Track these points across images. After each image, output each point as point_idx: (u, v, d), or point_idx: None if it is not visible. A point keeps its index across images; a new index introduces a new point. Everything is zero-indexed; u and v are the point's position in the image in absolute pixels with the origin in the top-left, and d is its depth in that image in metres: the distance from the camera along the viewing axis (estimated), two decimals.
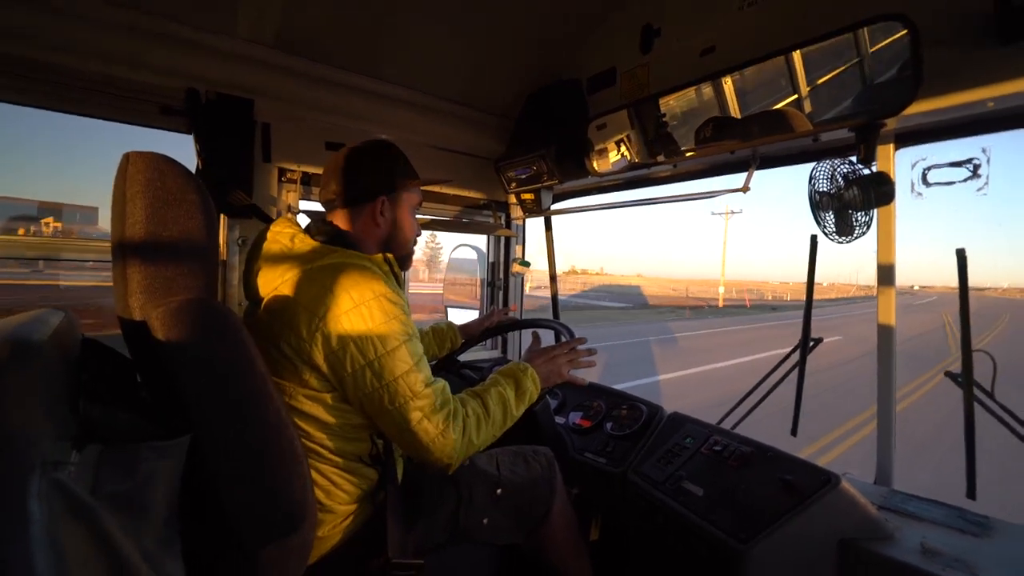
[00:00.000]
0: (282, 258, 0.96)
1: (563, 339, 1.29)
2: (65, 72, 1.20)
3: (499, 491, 1.16)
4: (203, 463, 0.69)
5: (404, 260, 1.14)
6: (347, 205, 1.05)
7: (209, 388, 0.70)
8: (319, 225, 1.04)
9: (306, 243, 0.98)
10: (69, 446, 0.47)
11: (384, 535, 0.96)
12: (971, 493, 1.16)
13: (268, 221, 1.42)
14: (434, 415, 0.92)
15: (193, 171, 1.33)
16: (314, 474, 0.91)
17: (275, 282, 0.94)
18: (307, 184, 1.60)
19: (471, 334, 1.56)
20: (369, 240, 1.06)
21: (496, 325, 1.59)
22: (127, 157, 0.72)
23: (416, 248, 1.18)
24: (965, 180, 1.14)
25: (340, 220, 1.06)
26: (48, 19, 1.12)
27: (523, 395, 1.08)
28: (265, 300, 0.95)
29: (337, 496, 0.96)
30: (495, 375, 1.11)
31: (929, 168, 1.18)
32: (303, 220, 1.10)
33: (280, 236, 0.99)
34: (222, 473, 0.71)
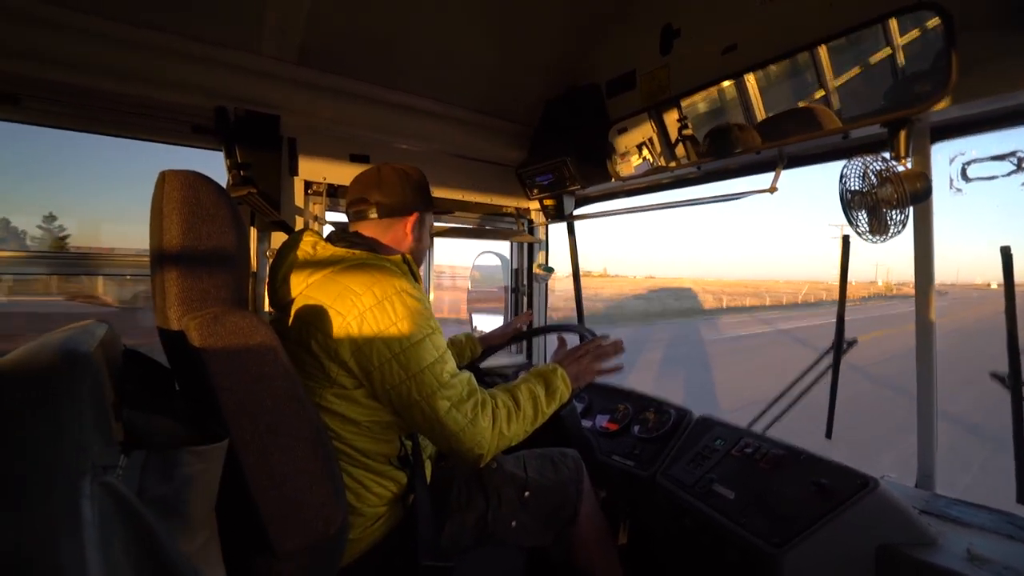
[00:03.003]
0: (306, 264, 1.00)
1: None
2: (100, 96, 1.26)
3: (527, 493, 1.16)
4: (238, 467, 0.71)
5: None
6: (387, 215, 1.11)
7: (243, 395, 0.72)
8: (339, 232, 1.10)
9: (328, 249, 1.02)
10: (118, 451, 0.49)
11: (413, 538, 0.97)
12: (1021, 498, 1.10)
13: (292, 232, 1.46)
14: (462, 404, 0.94)
15: (224, 186, 1.39)
16: (345, 478, 0.94)
17: (300, 287, 0.98)
18: (333, 196, 1.63)
19: (491, 344, 1.57)
20: (395, 249, 1.11)
21: (520, 332, 1.60)
22: (163, 175, 0.76)
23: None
24: (1009, 174, 1.10)
25: (368, 230, 1.11)
26: (82, 44, 1.17)
27: (553, 393, 1.09)
28: (291, 306, 0.99)
29: (367, 499, 0.98)
30: (525, 375, 1.12)
31: (969, 163, 1.14)
32: (327, 231, 1.14)
33: (303, 244, 1.04)
34: (256, 477, 0.73)
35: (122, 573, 0.44)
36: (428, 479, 1.10)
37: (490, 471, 1.15)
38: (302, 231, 1.09)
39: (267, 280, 1.51)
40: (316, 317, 0.93)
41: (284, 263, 1.04)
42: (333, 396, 0.95)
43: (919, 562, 0.94)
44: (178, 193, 0.74)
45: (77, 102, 1.26)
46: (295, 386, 0.78)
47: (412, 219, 1.12)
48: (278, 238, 1.52)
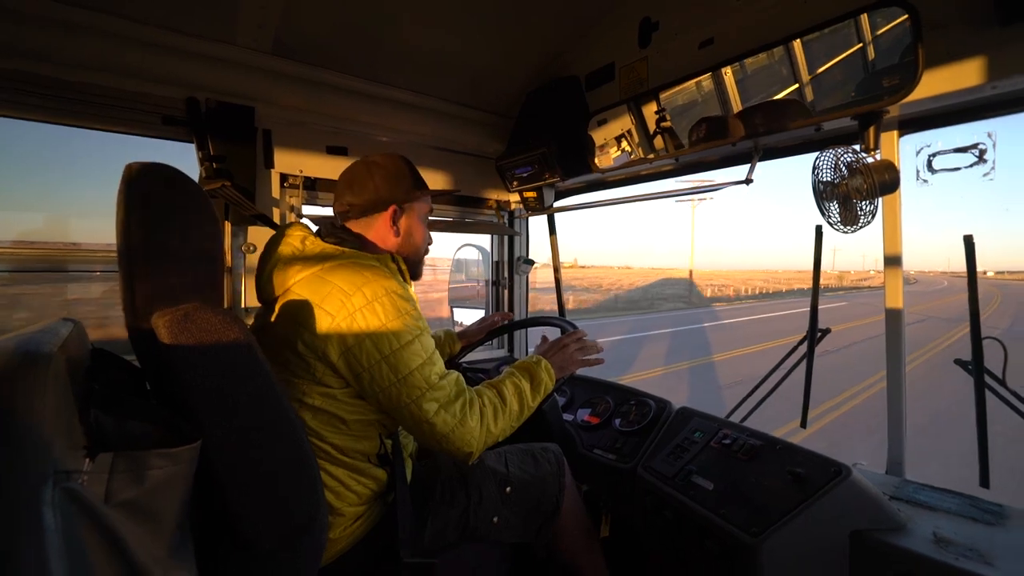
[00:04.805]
0: (294, 260, 0.99)
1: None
2: (65, 85, 1.21)
3: (508, 489, 1.16)
4: (213, 467, 0.70)
5: (414, 267, 1.15)
6: (362, 215, 1.08)
7: (216, 394, 0.70)
8: (329, 228, 1.08)
9: (317, 245, 1.01)
10: (82, 455, 0.48)
11: (395, 536, 0.96)
12: (984, 482, 1.15)
13: (273, 227, 1.43)
14: (451, 405, 0.94)
15: (196, 179, 1.35)
16: (324, 476, 0.93)
17: (287, 283, 0.97)
18: (310, 189, 1.60)
19: (470, 339, 1.57)
20: (383, 247, 1.09)
21: (499, 326, 1.60)
22: (129, 168, 0.73)
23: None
24: (971, 166, 1.13)
25: (355, 226, 1.09)
26: (46, 32, 1.13)
27: (538, 386, 1.10)
28: (278, 302, 0.97)
29: (347, 498, 0.97)
30: (509, 369, 1.12)
31: (934, 155, 1.17)
32: (309, 223, 1.12)
33: (292, 239, 1.02)
34: (232, 479, 0.72)
35: None
36: (409, 477, 1.09)
37: (471, 467, 1.15)
38: (289, 225, 1.07)
39: (246, 277, 1.48)
40: (304, 316, 0.91)
41: (271, 258, 1.02)
42: (319, 395, 0.94)
43: (889, 546, 0.97)
44: (145, 186, 0.72)
45: (39, 92, 1.21)
46: (271, 385, 0.76)
47: (388, 213, 1.08)
48: (253, 233, 1.49)
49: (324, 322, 0.90)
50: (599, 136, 1.65)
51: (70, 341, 0.63)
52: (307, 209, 1.62)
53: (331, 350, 0.90)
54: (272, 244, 1.04)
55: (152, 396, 0.85)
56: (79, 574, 0.41)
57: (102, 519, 0.46)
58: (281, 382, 0.93)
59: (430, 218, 1.98)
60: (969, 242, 1.16)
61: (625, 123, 1.58)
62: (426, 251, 1.18)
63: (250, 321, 1.43)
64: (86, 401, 0.59)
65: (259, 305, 1.09)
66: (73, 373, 0.60)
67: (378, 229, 1.09)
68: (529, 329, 2.04)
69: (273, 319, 0.97)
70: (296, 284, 0.95)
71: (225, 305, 1.23)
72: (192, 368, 0.69)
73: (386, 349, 0.90)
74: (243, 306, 1.48)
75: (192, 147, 1.40)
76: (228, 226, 1.46)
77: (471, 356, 1.69)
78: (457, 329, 1.59)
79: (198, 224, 0.76)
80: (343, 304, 0.90)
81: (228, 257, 1.46)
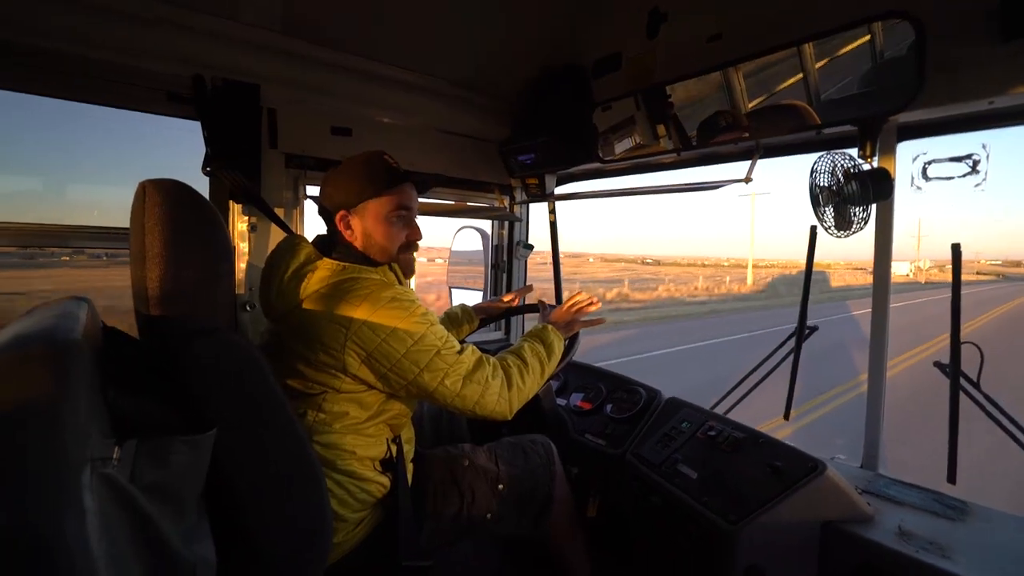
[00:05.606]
0: (299, 277, 1.02)
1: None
2: (70, 60, 1.20)
3: (500, 486, 1.22)
4: (225, 476, 0.73)
5: (404, 265, 1.16)
6: (325, 220, 1.12)
7: (226, 412, 0.74)
8: (329, 242, 1.10)
9: (322, 261, 1.04)
10: (112, 441, 0.51)
11: (393, 538, 1.02)
12: (951, 478, 1.21)
13: (273, 217, 1.44)
14: (472, 375, 1.04)
15: (202, 157, 1.35)
16: (331, 484, 0.97)
17: (296, 299, 1.00)
18: (313, 169, 1.61)
19: (490, 313, 1.59)
20: (352, 249, 1.09)
21: (518, 307, 1.61)
22: (143, 187, 0.74)
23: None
24: (964, 176, 1.16)
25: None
26: (51, 6, 1.12)
27: (551, 347, 1.22)
28: (288, 317, 1.01)
29: (351, 505, 1.02)
30: (523, 337, 1.22)
31: (929, 162, 1.19)
32: (310, 222, 1.13)
33: (298, 253, 1.05)
34: (248, 495, 0.77)
35: (123, 553, 0.47)
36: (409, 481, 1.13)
37: (463, 468, 1.21)
38: (294, 238, 1.09)
39: (249, 260, 1.50)
40: (318, 331, 0.96)
41: (277, 273, 1.04)
42: (338, 402, 1.00)
43: (857, 537, 1.03)
44: (158, 208, 0.73)
45: (43, 66, 1.20)
46: (280, 403, 0.80)
47: (337, 220, 1.08)
48: (267, 231, 1.51)
49: (338, 336, 0.95)
50: (603, 125, 1.65)
51: (87, 322, 0.66)
52: (310, 190, 1.62)
53: (351, 361, 0.96)
54: (277, 259, 1.06)
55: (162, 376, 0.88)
56: (115, 550, 0.45)
57: (132, 500, 0.50)
58: (295, 395, 0.99)
59: (433, 200, 2.01)
60: (956, 250, 1.19)
61: (629, 114, 1.58)
62: (405, 248, 1.12)
63: (254, 307, 1.46)
64: (106, 384, 0.62)
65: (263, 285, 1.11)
66: (94, 356, 0.63)
67: (338, 233, 1.09)
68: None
69: (284, 335, 1.01)
70: (306, 299, 0.99)
71: (236, 292, 1.25)
72: (202, 389, 0.73)
73: (403, 348, 0.97)
74: (246, 308, 1.49)
75: (190, 123, 1.39)
76: (232, 205, 1.47)
77: (470, 338, 1.73)
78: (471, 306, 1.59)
79: (209, 245, 0.80)
80: (354, 317, 0.95)
81: (235, 239, 1.48)
